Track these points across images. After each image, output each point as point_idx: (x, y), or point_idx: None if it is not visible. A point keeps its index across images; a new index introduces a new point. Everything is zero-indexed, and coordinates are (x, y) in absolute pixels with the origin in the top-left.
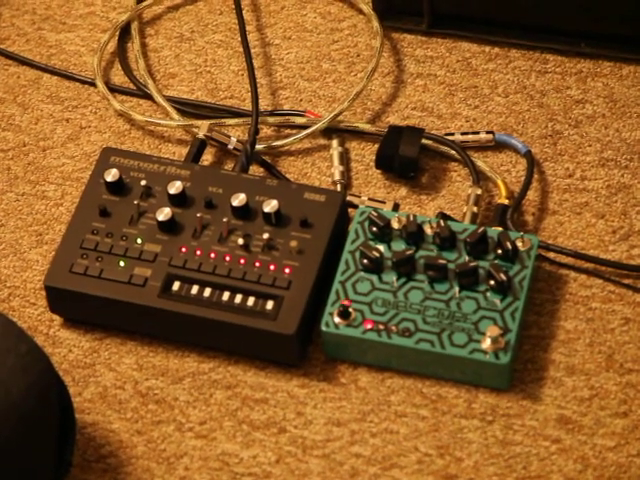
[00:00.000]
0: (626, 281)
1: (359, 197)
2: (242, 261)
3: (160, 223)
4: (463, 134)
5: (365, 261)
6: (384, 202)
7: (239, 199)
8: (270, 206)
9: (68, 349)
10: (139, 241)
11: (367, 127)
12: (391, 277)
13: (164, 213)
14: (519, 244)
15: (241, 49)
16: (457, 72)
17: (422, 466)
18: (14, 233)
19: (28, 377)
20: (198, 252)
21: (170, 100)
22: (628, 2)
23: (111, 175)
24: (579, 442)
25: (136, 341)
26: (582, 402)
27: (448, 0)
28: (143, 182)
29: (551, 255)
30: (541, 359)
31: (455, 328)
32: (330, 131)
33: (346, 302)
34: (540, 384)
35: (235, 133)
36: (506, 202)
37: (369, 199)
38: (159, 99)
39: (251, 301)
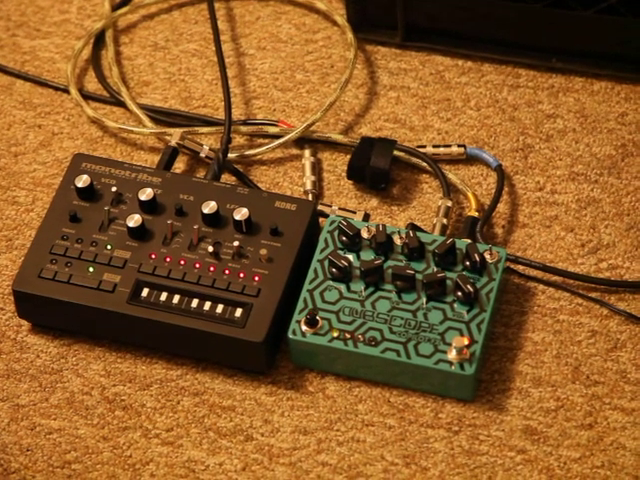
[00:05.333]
0: (593, 294)
1: (330, 207)
2: (212, 268)
3: (130, 229)
4: (435, 147)
5: (334, 270)
6: (355, 212)
7: (210, 207)
8: (240, 214)
9: (36, 355)
10: (109, 247)
11: (339, 138)
12: (359, 286)
13: (134, 219)
14: (487, 256)
15: (215, 58)
16: (430, 85)
17: (388, 475)
18: None
19: None
20: (168, 259)
21: (143, 108)
22: (599, 19)
23: (82, 181)
24: (544, 453)
25: (104, 347)
26: (548, 413)
27: (422, 13)
28: (114, 188)
29: (520, 268)
30: (508, 370)
31: (421, 338)
32: (303, 141)
33: (313, 310)
34: (507, 395)
35: (208, 142)
36: (476, 214)
37: (340, 209)
38: (132, 107)
39: (220, 308)
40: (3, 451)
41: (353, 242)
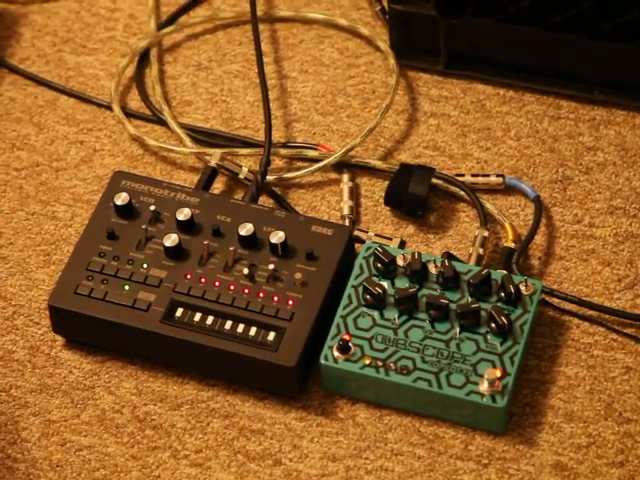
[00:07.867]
0: (629, 330)
1: (366, 232)
2: (246, 291)
3: (167, 249)
4: (473, 176)
5: (368, 296)
6: (391, 239)
7: (246, 229)
8: (277, 237)
9: (69, 370)
10: (145, 266)
11: (378, 163)
12: (393, 314)
13: (171, 239)
14: (522, 288)
15: (257, 80)
16: (471, 113)
17: None
18: (22, 252)
19: None
20: (203, 279)
21: (184, 127)
22: None
23: (121, 199)
24: None
25: (137, 365)
26: (579, 449)
27: (465, 41)
28: (152, 207)
29: (555, 301)
30: (540, 404)
31: (453, 369)
32: (341, 166)
33: (346, 336)
34: (538, 429)
35: (247, 163)
36: (512, 245)
37: (376, 235)
38: (174, 126)
39: (253, 331)
40: (33, 466)
41: (388, 269)
